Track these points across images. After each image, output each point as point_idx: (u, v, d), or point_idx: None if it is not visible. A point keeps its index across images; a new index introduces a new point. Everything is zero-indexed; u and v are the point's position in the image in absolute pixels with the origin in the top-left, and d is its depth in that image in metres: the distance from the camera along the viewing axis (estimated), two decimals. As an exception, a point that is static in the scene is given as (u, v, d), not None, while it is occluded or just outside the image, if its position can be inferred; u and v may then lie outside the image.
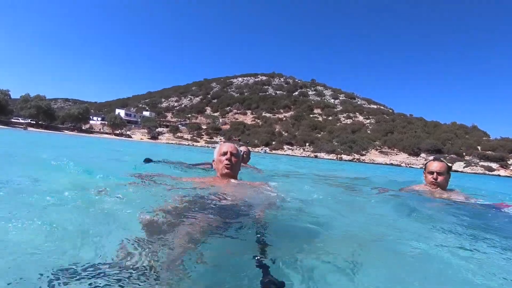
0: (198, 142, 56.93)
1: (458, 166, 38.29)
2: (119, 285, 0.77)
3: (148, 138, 56.52)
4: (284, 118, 76.91)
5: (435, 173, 2.67)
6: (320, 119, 75.43)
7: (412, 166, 39.66)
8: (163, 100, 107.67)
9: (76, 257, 0.97)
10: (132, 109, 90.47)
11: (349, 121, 73.75)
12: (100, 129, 61.97)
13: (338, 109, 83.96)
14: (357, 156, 47.81)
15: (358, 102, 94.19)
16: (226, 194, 1.73)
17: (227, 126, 70.64)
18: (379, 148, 54.79)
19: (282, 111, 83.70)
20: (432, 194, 2.64)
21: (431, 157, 2.91)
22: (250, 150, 4.45)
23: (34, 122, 49.28)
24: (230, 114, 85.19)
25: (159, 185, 1.91)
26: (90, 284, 0.76)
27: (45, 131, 40.94)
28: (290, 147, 55.32)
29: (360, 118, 76.09)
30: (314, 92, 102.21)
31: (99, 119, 71.12)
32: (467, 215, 2.00)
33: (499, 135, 61.70)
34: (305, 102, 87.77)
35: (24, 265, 0.90)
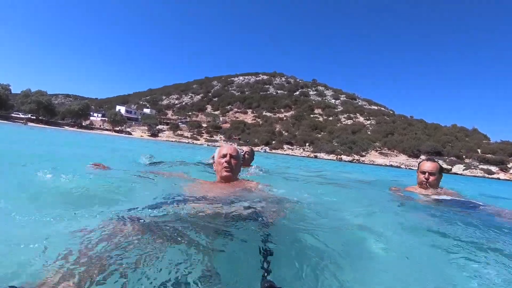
0: (198, 140, 56.90)
1: (457, 168, 38.26)
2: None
3: (148, 136, 56.49)
4: (284, 118, 76.89)
5: (427, 173, 2.72)
6: (321, 119, 75.40)
7: (411, 168, 39.62)
8: (164, 97, 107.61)
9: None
10: (132, 106, 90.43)
11: (349, 121, 73.72)
12: (100, 126, 61.95)
13: (338, 109, 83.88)
14: (357, 157, 47.79)
15: (359, 103, 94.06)
16: (223, 196, 1.74)
17: (228, 125, 70.60)
18: (379, 149, 54.77)
19: (282, 110, 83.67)
20: (421, 194, 2.69)
21: (424, 157, 2.94)
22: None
23: (34, 117, 49.24)
24: (230, 112, 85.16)
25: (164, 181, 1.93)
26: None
27: (45, 126, 40.92)
28: (290, 147, 55.30)
29: (361, 119, 76.05)
30: (315, 92, 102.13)
31: (100, 115, 71.10)
32: (455, 215, 2.04)
33: (499, 138, 61.76)
34: (306, 102, 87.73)
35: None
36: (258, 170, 3.45)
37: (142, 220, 1.14)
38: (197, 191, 1.85)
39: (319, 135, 62.17)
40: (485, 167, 40.03)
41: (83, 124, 58.61)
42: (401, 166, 42.62)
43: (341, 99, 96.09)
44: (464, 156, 47.52)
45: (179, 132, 63.33)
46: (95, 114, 71.86)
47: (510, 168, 40.61)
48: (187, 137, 58.95)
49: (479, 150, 49.41)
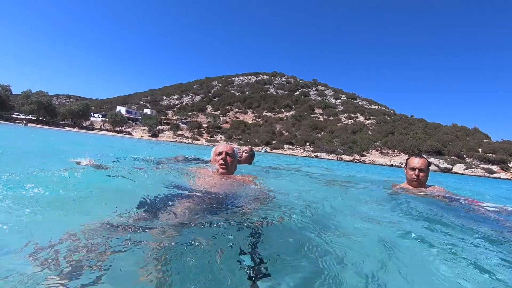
0: (199, 140, 56.90)
1: (458, 168, 38.18)
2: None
3: (149, 136, 56.53)
4: (285, 118, 76.80)
5: (417, 170, 2.67)
6: (321, 119, 75.31)
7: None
8: (164, 97, 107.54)
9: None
10: (133, 106, 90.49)
11: (350, 121, 73.58)
12: (100, 126, 62.01)
13: (339, 109, 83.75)
14: (357, 157, 47.71)
15: (360, 103, 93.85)
16: (213, 188, 1.79)
17: (228, 125, 70.57)
18: (379, 149, 54.67)
19: (283, 110, 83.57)
20: (414, 191, 2.68)
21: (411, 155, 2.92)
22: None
23: (35, 118, 49.31)
24: (231, 112, 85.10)
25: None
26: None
27: (46, 127, 40.97)
28: (291, 147, 55.24)
29: (361, 118, 75.90)
30: (316, 92, 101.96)
31: (100, 116, 71.18)
32: (448, 211, 2.08)
33: (500, 138, 61.58)
34: (306, 102, 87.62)
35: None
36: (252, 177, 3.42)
37: (128, 221, 1.14)
38: (192, 184, 1.89)
39: (320, 135, 62.08)
40: (486, 166, 39.92)
41: (84, 124, 58.67)
42: (402, 165, 42.48)
43: (342, 99, 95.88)
44: (465, 156, 47.39)
45: (179, 132, 63.33)
46: (96, 115, 71.99)
47: (511, 167, 40.51)
48: (187, 137, 58.94)
49: (480, 150, 49.27)
